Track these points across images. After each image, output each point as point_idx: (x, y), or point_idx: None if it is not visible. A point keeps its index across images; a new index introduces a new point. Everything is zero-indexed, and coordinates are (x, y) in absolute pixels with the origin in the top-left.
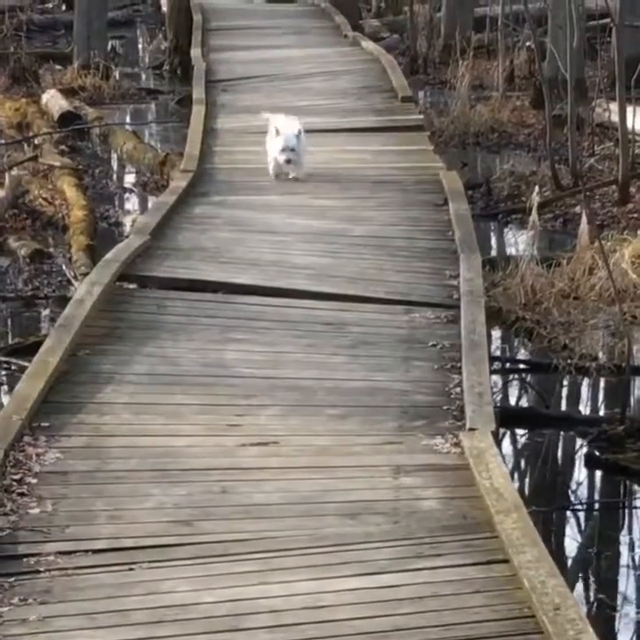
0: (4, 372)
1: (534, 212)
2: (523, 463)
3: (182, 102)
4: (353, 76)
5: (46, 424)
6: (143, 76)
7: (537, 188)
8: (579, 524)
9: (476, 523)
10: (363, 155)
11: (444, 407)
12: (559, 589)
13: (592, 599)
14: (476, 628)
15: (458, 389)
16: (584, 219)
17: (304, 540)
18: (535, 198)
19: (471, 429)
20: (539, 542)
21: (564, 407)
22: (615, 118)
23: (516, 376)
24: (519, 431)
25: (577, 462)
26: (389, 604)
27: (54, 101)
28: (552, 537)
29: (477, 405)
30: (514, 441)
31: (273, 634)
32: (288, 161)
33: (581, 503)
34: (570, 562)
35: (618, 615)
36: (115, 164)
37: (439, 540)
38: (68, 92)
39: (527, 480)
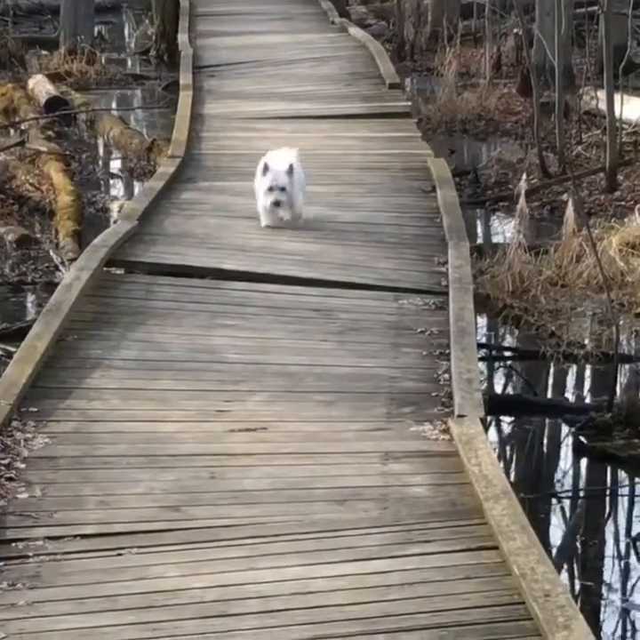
0: None
1: (522, 199)
2: (510, 450)
3: (169, 88)
4: (340, 63)
5: (35, 409)
6: (130, 62)
7: (524, 175)
8: (566, 512)
9: (465, 509)
10: (350, 141)
11: (433, 394)
12: (549, 576)
13: (578, 586)
14: (466, 615)
15: (446, 376)
16: (570, 206)
17: (293, 526)
18: (523, 186)
19: (460, 416)
20: (528, 529)
21: (551, 395)
22: (603, 106)
23: (504, 363)
24: (507, 419)
25: (564, 450)
26: (378, 590)
27: (41, 86)
28: (539, 524)
29: (466, 392)
30: (501, 428)
31: (262, 619)
32: (276, 203)
33: (568, 491)
34: (556, 549)
35: (604, 602)
36: (101, 150)
37: (428, 527)
38: (55, 78)
39: (514, 467)
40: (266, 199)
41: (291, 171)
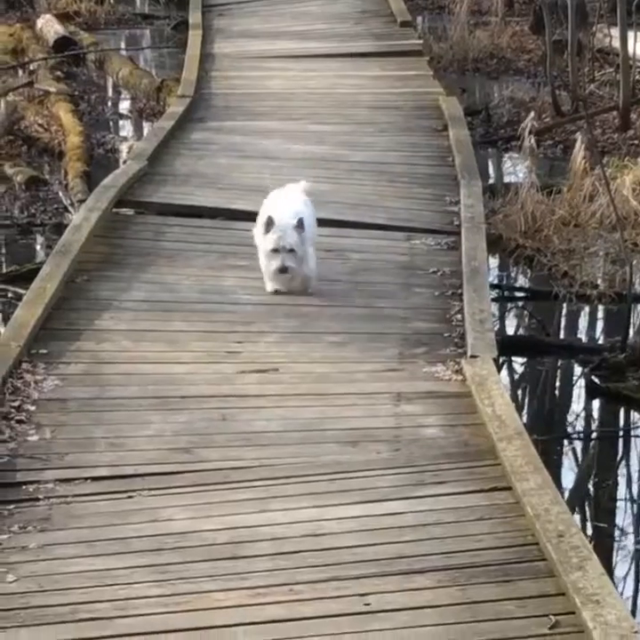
0: (0, 300)
1: (527, 137)
2: (522, 392)
3: (178, 28)
4: (351, 1)
5: (45, 351)
6: (138, 1)
7: (531, 113)
8: (578, 453)
9: (478, 450)
10: (361, 80)
11: (445, 334)
12: (563, 516)
13: (591, 527)
14: (480, 556)
15: (459, 316)
16: (578, 144)
17: (304, 468)
18: (528, 123)
19: (473, 356)
20: (542, 469)
21: (564, 335)
22: (616, 43)
23: (517, 304)
24: (519, 359)
25: (577, 391)
26: (391, 531)
27: (49, 26)
28: (551, 466)
29: (479, 332)
30: (514, 369)
31: (274, 561)
32: (283, 270)
33: (581, 432)
34: (569, 491)
35: (616, 544)
36: (110, 90)
37: (441, 468)
38: (63, 17)
39: (527, 408)
40: (270, 263)
41: (301, 225)
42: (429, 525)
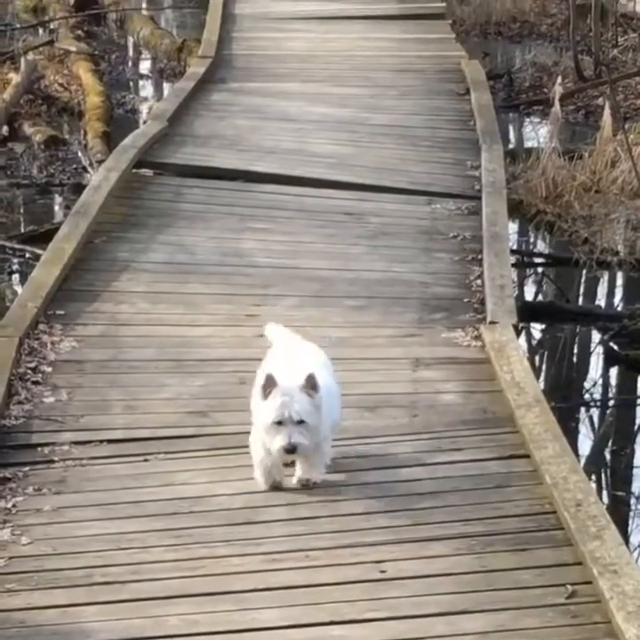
0: (18, 260)
1: (556, 103)
2: (541, 358)
3: None
4: None
5: (62, 312)
6: None
7: (559, 78)
8: (596, 421)
9: (496, 417)
10: (384, 42)
11: (465, 299)
12: (581, 485)
13: (607, 496)
14: (497, 524)
15: (479, 282)
16: (607, 110)
17: None
18: (557, 89)
19: (492, 322)
20: (560, 437)
21: (584, 302)
22: (639, 8)
23: (537, 270)
24: (539, 326)
25: (596, 358)
26: (409, 498)
27: None
28: (569, 433)
29: (499, 298)
30: (533, 336)
31: (290, 527)
32: (290, 450)
33: (600, 399)
34: (586, 458)
35: (633, 513)
36: (131, 50)
37: (459, 435)
38: None
39: (546, 375)
40: (273, 440)
41: (313, 385)
42: (446, 492)
